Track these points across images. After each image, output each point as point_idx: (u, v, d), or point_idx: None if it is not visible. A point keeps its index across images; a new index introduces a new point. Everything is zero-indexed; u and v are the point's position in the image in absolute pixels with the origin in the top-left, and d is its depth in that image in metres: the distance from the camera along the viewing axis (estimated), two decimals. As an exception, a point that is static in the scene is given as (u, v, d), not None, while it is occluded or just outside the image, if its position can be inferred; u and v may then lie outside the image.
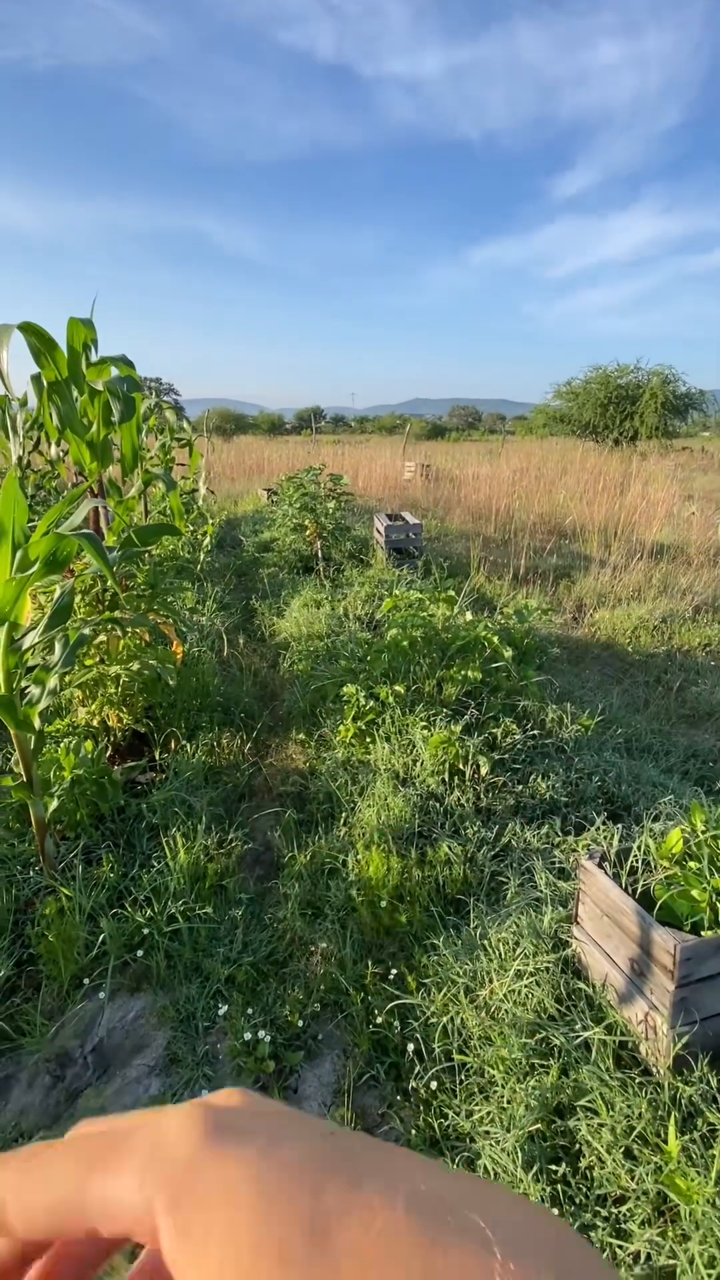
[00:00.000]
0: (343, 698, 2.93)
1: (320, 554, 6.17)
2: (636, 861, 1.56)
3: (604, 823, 2.27)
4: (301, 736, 3.18)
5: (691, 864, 1.51)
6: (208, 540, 6.01)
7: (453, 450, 20.47)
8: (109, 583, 2.80)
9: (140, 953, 2.00)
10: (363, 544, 6.65)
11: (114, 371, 2.78)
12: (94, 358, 2.73)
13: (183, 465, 6.92)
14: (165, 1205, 0.18)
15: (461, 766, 2.49)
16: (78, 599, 2.75)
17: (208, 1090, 1.65)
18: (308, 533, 6.56)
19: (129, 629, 2.66)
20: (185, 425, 4.89)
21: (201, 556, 5.81)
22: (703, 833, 1.54)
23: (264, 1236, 0.17)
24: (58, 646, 2.15)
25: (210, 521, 6.28)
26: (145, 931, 2.04)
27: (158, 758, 2.99)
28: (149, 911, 2.10)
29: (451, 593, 3.45)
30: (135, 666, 2.78)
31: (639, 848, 1.57)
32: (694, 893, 1.38)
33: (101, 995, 1.90)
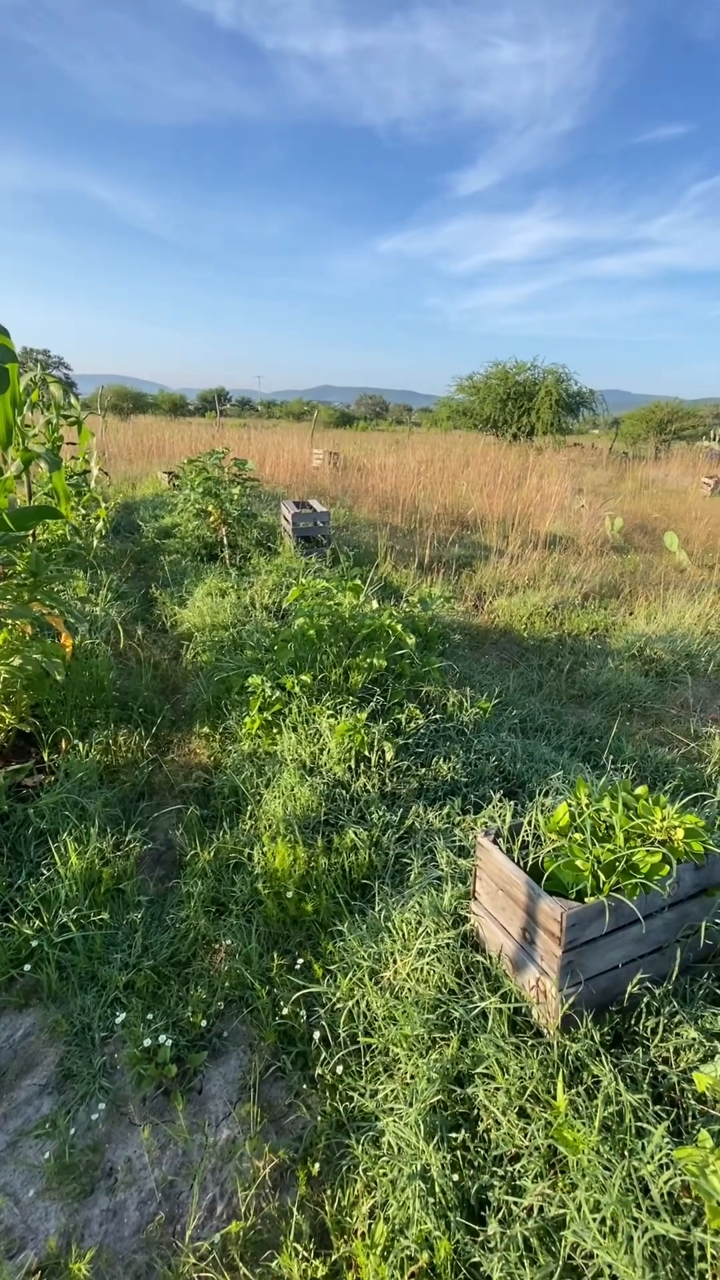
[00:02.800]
0: (248, 689, 2.87)
1: (225, 541, 6.01)
2: (528, 836, 1.64)
3: (500, 800, 2.37)
4: (205, 730, 3.09)
5: (576, 836, 1.61)
6: (101, 525, 5.67)
7: (360, 439, 20.55)
8: (-14, 571, 2.57)
9: (28, 967, 1.87)
10: (270, 531, 6.54)
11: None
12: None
13: (72, 444, 6.47)
14: None
15: (367, 753, 2.51)
16: (-51, 588, 2.50)
17: (104, 1104, 1.58)
18: (211, 519, 6.36)
19: (7, 621, 2.46)
20: (74, 401, 4.56)
21: (95, 542, 5.47)
22: (585, 806, 1.64)
23: None
24: None
25: (104, 505, 5.92)
26: (34, 944, 1.91)
27: (46, 759, 2.80)
28: (37, 922, 1.97)
29: (358, 581, 3.46)
30: (17, 662, 2.57)
31: (529, 823, 1.66)
32: (578, 862, 1.47)
33: (-16, 1017, 1.76)
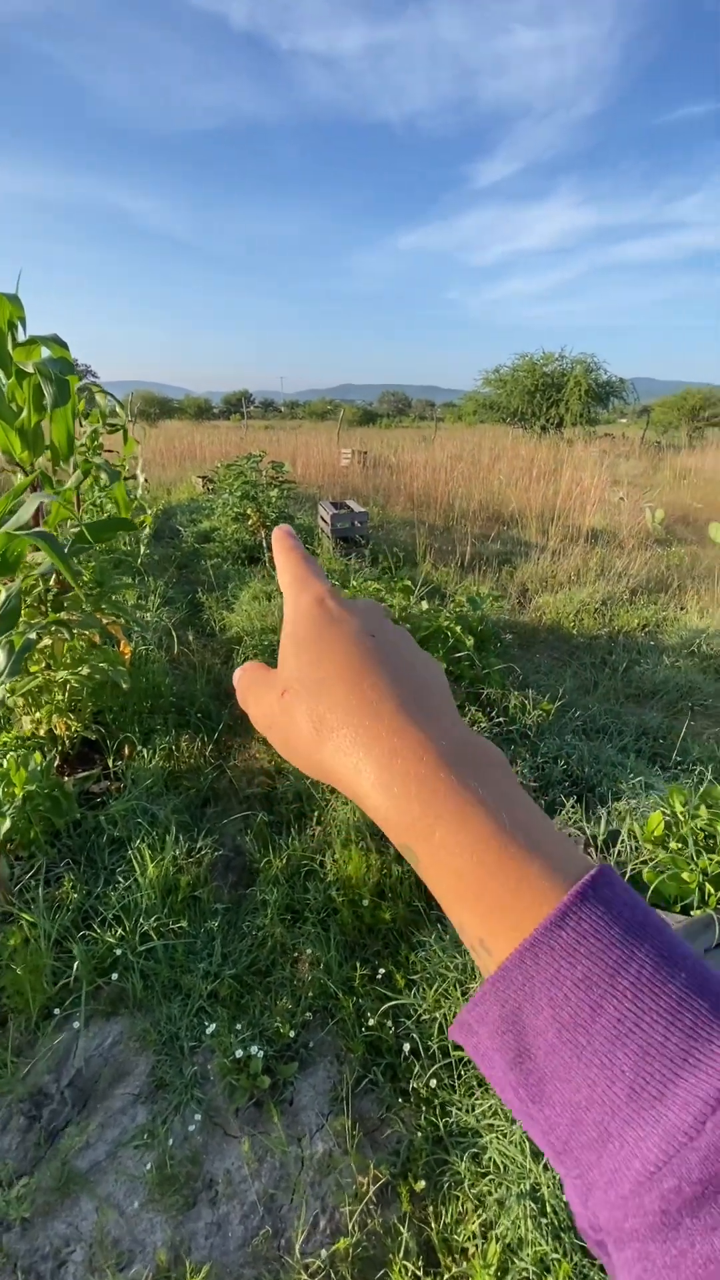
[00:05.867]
0: (307, 694, 2.86)
1: (265, 544, 6.03)
2: (625, 847, 1.59)
3: (573, 806, 2.32)
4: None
5: (673, 844, 1.56)
6: (146, 531, 5.74)
7: (385, 436, 20.48)
8: (51, 582, 2.61)
9: (115, 975, 1.89)
10: (308, 533, 6.54)
11: (44, 352, 2.57)
12: (21, 337, 2.51)
13: (111, 452, 6.57)
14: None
15: (433, 758, 2.48)
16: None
17: (199, 1115, 1.58)
18: (250, 522, 6.39)
19: (77, 631, 2.49)
20: (119, 409, 4.62)
21: (141, 549, 5.55)
22: (682, 815, 1.59)
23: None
24: (1, 654, 1.98)
25: (148, 512, 6.00)
26: (117, 952, 1.93)
27: (111, 766, 2.83)
28: (119, 931, 1.99)
29: (407, 582, 3.43)
30: (85, 671, 2.61)
31: (626, 833, 1.61)
32: (684, 875, 1.43)
33: (75, 1025, 1.78)
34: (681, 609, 5.17)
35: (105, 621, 2.78)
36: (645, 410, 31.37)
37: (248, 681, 0.36)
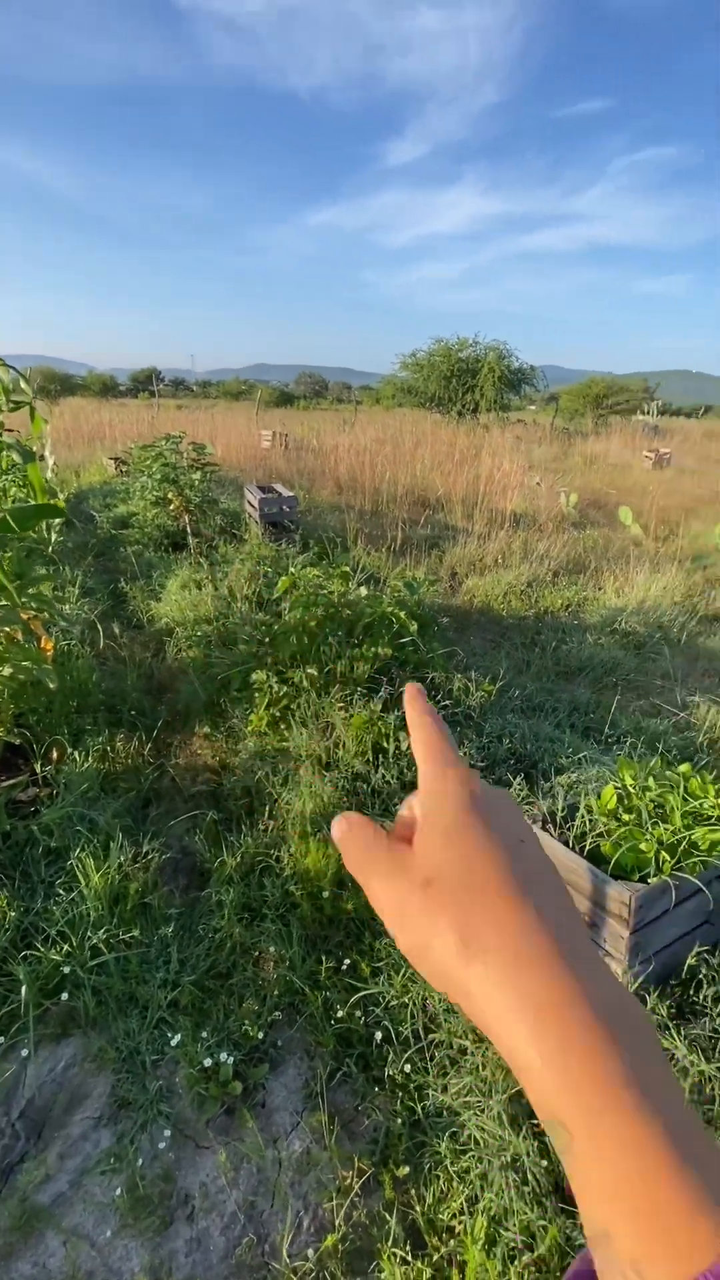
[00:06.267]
0: (252, 684, 2.78)
1: (189, 529, 5.80)
2: (584, 822, 1.65)
3: (520, 783, 2.40)
4: (206, 730, 2.99)
5: (626, 816, 1.64)
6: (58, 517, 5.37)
7: (304, 419, 20.20)
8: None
9: (64, 995, 1.77)
10: (233, 518, 6.35)
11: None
12: None
13: (13, 432, 6.07)
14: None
15: (385, 744, 2.49)
16: None
17: (169, 1130, 1.52)
18: (172, 506, 6.12)
19: (-1, 628, 2.29)
20: (23, 385, 4.25)
21: (53, 536, 5.17)
22: (633, 788, 1.66)
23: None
24: None
25: (60, 496, 5.60)
26: (65, 970, 1.81)
27: (39, 771, 2.64)
28: (66, 947, 1.86)
29: (346, 568, 3.40)
30: (7, 672, 2.40)
31: (584, 808, 1.67)
32: (641, 845, 1.50)
33: (23, 1052, 1.65)
34: (599, 589, 5.45)
35: (26, 617, 2.57)
36: (554, 398, 32.68)
37: (363, 845, 0.32)
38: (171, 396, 42.27)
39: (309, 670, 2.70)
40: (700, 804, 1.58)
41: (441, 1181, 1.41)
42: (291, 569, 3.31)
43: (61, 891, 2.04)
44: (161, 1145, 1.50)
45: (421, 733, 0.36)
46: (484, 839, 0.29)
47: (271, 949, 1.93)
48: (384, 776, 2.44)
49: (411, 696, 0.39)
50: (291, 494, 6.01)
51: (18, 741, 2.71)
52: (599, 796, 1.70)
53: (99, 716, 3.09)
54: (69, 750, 2.71)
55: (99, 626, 3.84)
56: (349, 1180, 1.43)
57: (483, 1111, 1.43)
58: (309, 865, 2.11)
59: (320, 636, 2.86)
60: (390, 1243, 1.32)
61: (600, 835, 1.63)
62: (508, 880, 0.28)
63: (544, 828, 1.72)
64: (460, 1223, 1.33)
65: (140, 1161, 1.48)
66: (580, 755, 2.57)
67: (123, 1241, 1.35)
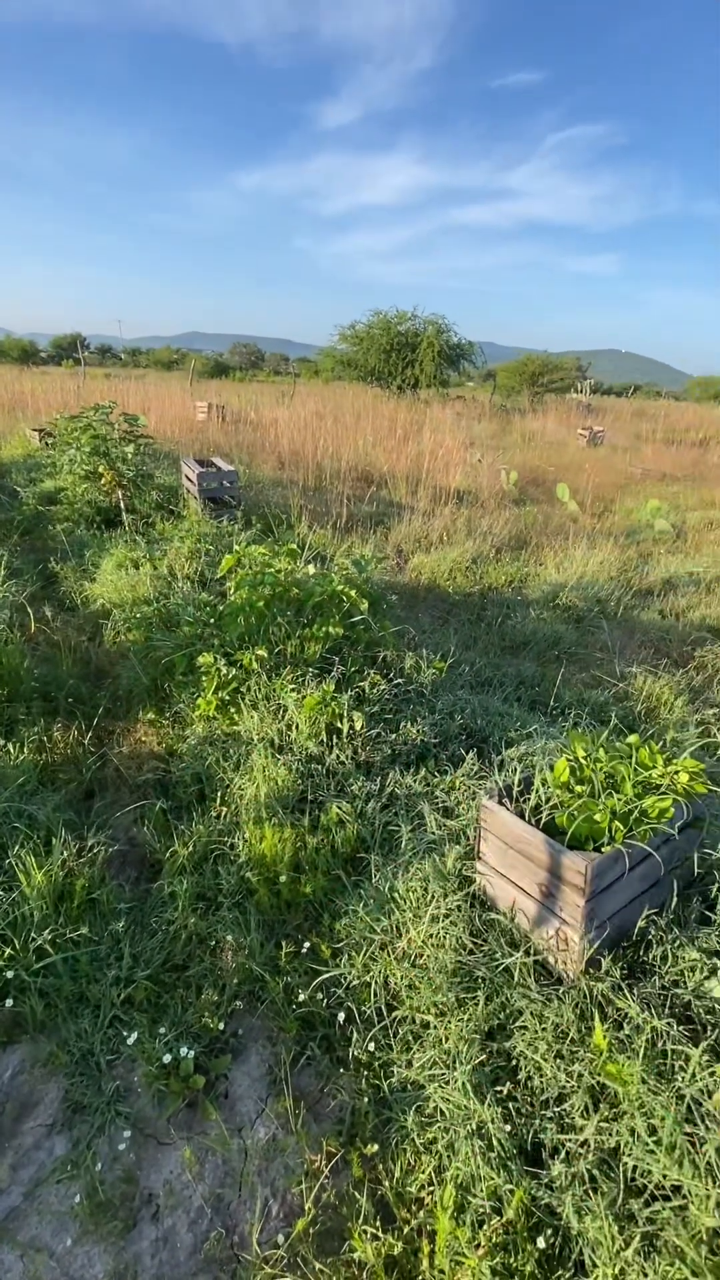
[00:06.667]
0: (199, 668, 2.68)
1: (123, 505, 5.52)
2: (539, 795, 1.68)
3: (473, 758, 2.42)
4: (151, 716, 2.87)
5: (579, 788, 1.67)
6: (-22, 493, 4.99)
7: (241, 390, 19.56)
8: None
9: (9, 1002, 1.67)
10: (170, 493, 6.09)
11: None
12: None
13: None
14: None
15: (339, 725, 2.45)
16: None
17: (128, 1130, 1.47)
18: (104, 481, 5.80)
19: None
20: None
21: (-26, 513, 4.82)
22: (585, 760, 1.70)
23: None
24: None
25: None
26: (8, 975, 1.71)
27: (-30, 764, 2.47)
28: (8, 951, 1.76)
29: (293, 546, 3.32)
30: (-71, 659, 2.22)
31: (540, 782, 1.69)
32: (596, 816, 1.53)
33: (-35, 1066, 1.56)
34: (541, 565, 5.56)
35: (-52, 600, 2.37)
36: (490, 374, 32.94)
37: None
38: (98, 364, 40.01)
39: (258, 652, 2.63)
40: (650, 774, 1.64)
41: (409, 1155, 1.43)
42: (236, 546, 3.20)
43: (1, 892, 1.92)
44: (121, 1146, 1.45)
45: None
46: None
47: (229, 938, 1.89)
48: (339, 757, 2.41)
49: None
50: (232, 468, 5.81)
51: (-57, 735, 2.53)
52: (552, 770, 1.73)
53: (33, 705, 2.92)
54: (1, 742, 2.55)
55: (28, 609, 3.62)
56: (317, 1163, 1.42)
57: (447, 1084, 1.45)
58: (264, 850, 2.07)
59: (269, 616, 2.78)
60: (360, 1220, 1.33)
61: (555, 807, 1.66)
62: None
63: (500, 801, 1.73)
64: (429, 1193, 1.35)
65: (99, 1166, 1.42)
66: (530, 730, 2.62)
67: (84, 1249, 1.30)
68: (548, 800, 1.67)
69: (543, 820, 1.65)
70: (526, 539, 6.32)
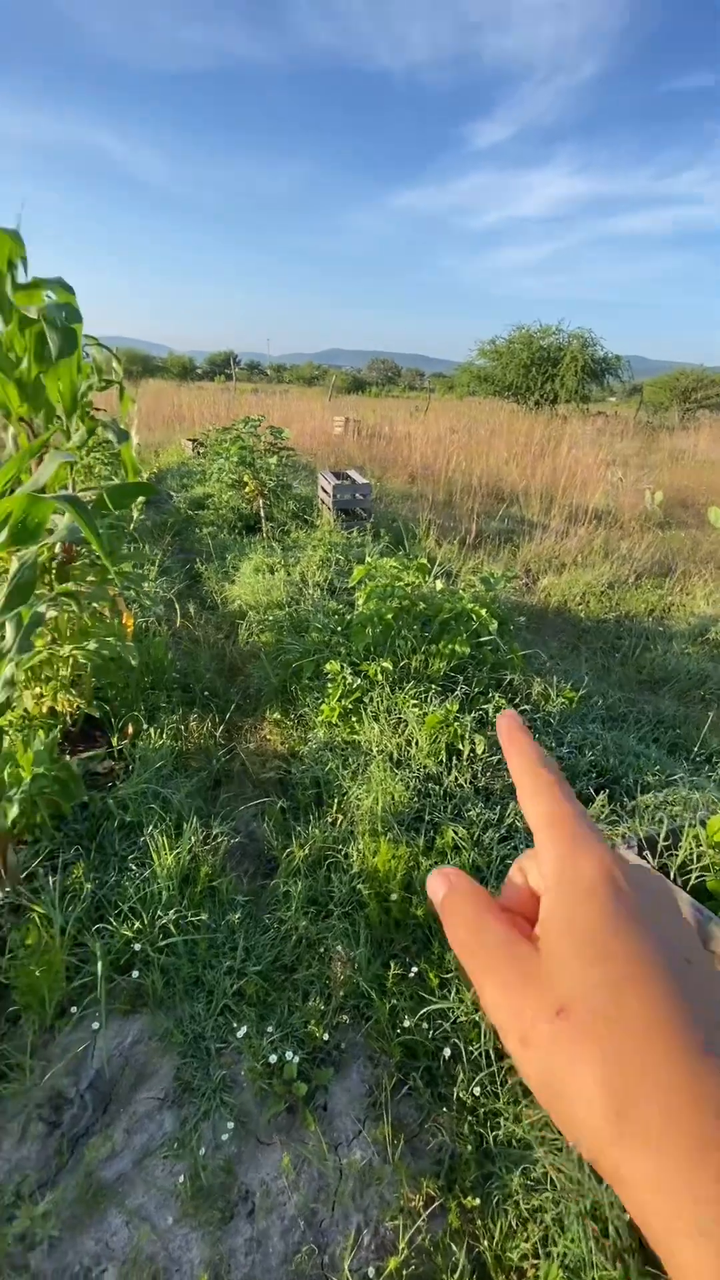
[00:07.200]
0: (325, 674, 2.74)
1: (264, 513, 5.82)
2: (688, 852, 1.52)
3: (603, 801, 2.26)
4: (277, 716, 2.98)
5: (734, 851, 1.49)
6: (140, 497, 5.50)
7: (376, 406, 20.01)
8: (57, 550, 2.43)
9: (135, 973, 1.79)
10: (306, 503, 6.34)
11: (49, 297, 2.34)
12: (23, 278, 2.28)
13: (101, 410, 6.26)
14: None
15: (460, 746, 2.40)
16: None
17: (232, 1122, 1.50)
18: (247, 490, 6.17)
19: (88, 604, 2.33)
20: (115, 365, 4.34)
21: (135, 515, 5.31)
22: (745, 819, 1.52)
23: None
24: (9, 629, 1.81)
25: (143, 475, 5.74)
26: (135, 947, 1.82)
27: (115, 745, 2.70)
28: (137, 924, 1.88)
29: (424, 560, 3.31)
30: (93, 646, 2.45)
31: (690, 838, 1.54)
32: (757, 886, 1.36)
33: (94, 1025, 1.68)
34: (687, 594, 5.13)
35: (112, 593, 2.62)
36: (636, 389, 31.16)
37: (470, 921, 0.26)
38: (246, 380, 42.87)
39: (383, 663, 2.64)
40: None
41: (510, 1217, 1.34)
42: (367, 558, 3.24)
43: (134, 867, 2.07)
44: (224, 1137, 1.49)
45: (535, 784, 0.28)
46: (640, 960, 0.22)
47: (338, 947, 1.90)
48: (457, 779, 2.35)
49: (510, 732, 0.30)
50: (365, 481, 5.94)
51: (98, 714, 2.78)
52: (704, 825, 1.56)
53: (173, 695, 3.14)
54: (144, 726, 2.75)
55: (176, 605, 3.91)
56: (415, 1202, 1.37)
57: (559, 1151, 1.34)
58: (377, 865, 2.06)
59: (395, 629, 2.79)
60: (456, 1276, 1.26)
61: (707, 869, 1.49)
62: (679, 1029, 0.20)
63: (641, 854, 1.59)
64: (532, 1266, 1.25)
65: (203, 1150, 1.47)
66: (674, 776, 2.40)
67: (183, 1230, 1.35)
68: (698, 859, 1.50)
69: (690, 882, 1.49)
70: (671, 565, 5.86)
